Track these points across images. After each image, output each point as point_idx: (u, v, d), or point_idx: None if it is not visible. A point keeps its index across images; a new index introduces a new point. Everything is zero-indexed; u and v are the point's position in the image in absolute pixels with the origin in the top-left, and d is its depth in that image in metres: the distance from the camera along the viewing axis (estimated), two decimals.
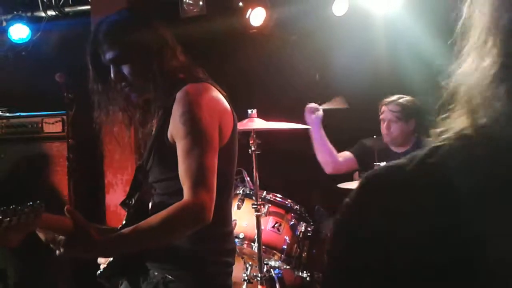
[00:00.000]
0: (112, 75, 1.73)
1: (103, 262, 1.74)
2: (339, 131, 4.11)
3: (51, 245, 1.46)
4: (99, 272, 1.73)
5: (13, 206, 1.32)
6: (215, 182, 1.58)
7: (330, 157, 3.64)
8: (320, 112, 3.60)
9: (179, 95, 1.67)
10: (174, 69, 1.76)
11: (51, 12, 4.53)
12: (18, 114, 3.96)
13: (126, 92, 1.76)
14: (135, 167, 1.87)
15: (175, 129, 1.64)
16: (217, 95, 1.74)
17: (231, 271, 1.80)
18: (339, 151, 3.75)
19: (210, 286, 1.73)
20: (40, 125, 3.88)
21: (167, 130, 1.68)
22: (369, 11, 4.13)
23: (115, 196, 3.98)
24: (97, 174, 4.04)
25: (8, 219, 1.29)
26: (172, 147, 1.65)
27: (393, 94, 3.73)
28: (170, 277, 1.69)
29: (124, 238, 1.51)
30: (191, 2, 4.06)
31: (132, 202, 1.79)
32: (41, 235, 1.47)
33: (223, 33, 4.12)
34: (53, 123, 3.86)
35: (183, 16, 4.05)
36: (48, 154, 3.84)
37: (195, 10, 4.04)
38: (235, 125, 1.79)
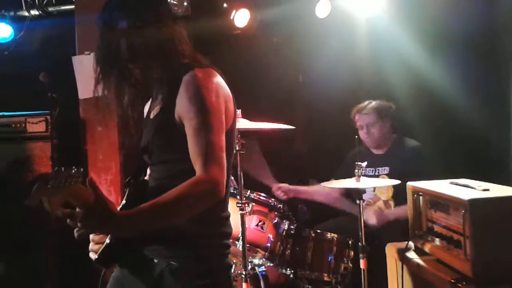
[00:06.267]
0: (121, 46, 1.72)
1: (95, 249, 1.72)
2: (324, 127, 4.18)
3: (67, 221, 1.41)
4: (95, 257, 1.71)
5: (59, 168, 1.30)
6: (225, 160, 1.63)
7: (323, 198, 3.91)
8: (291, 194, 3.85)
9: (186, 78, 1.70)
10: (183, 52, 1.79)
11: (34, 12, 4.50)
12: (1, 114, 3.94)
13: (130, 66, 1.76)
14: (138, 151, 1.85)
15: (184, 110, 1.67)
16: (222, 81, 1.79)
17: (229, 252, 1.84)
18: (327, 147, 3.88)
19: (214, 267, 1.75)
20: (23, 125, 3.86)
21: (174, 110, 1.71)
22: (351, 13, 4.20)
23: None
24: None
25: (57, 180, 1.28)
26: (180, 127, 1.68)
27: (374, 94, 3.83)
28: (174, 263, 1.70)
29: (141, 214, 1.49)
30: (175, 2, 4.07)
31: (138, 182, 1.80)
32: (59, 210, 1.38)
33: (207, 34, 4.13)
34: (36, 123, 3.84)
35: None
36: (31, 154, 3.82)
37: (179, 11, 4.06)
38: (235, 111, 1.84)
